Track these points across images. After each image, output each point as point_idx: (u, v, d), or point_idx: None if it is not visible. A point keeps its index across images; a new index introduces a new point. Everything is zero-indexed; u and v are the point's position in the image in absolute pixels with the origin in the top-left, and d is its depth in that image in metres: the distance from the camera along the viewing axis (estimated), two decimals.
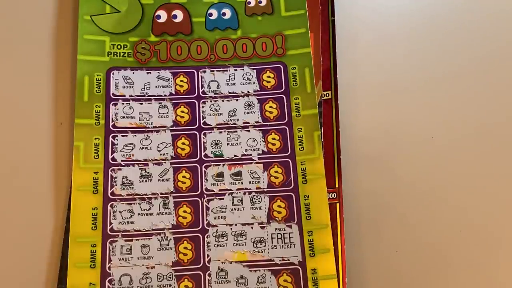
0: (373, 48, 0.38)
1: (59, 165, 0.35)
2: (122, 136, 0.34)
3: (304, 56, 0.36)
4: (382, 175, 0.35)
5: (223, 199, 0.33)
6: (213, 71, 0.36)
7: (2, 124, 0.36)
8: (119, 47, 0.36)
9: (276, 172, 0.34)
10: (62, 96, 0.36)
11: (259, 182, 0.33)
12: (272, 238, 0.32)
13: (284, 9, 0.37)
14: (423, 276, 0.33)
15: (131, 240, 0.32)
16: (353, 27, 0.39)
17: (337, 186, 0.34)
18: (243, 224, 0.32)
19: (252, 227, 0.32)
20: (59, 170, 0.34)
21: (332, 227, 0.33)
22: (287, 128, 0.35)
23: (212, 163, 0.34)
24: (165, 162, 0.34)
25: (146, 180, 0.33)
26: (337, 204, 0.33)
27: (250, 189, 0.33)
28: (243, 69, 0.36)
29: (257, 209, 0.33)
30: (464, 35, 0.39)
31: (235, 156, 0.34)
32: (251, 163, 0.34)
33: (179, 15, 0.37)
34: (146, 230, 0.32)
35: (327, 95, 0.36)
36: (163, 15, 0.37)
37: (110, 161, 0.34)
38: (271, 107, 0.35)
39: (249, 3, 0.38)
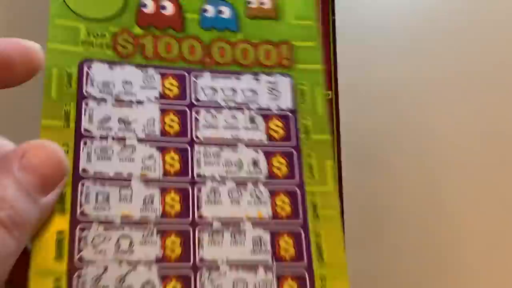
0: (373, 48, 0.38)
1: None
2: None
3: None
4: (382, 175, 0.35)
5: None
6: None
7: None
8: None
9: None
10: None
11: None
12: None
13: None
14: (423, 276, 0.33)
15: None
16: (353, 27, 0.39)
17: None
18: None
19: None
20: None
21: None
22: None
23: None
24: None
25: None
26: None
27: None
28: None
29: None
30: (464, 36, 0.39)
31: None
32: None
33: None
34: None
35: (327, 95, 0.36)
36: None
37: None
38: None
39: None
